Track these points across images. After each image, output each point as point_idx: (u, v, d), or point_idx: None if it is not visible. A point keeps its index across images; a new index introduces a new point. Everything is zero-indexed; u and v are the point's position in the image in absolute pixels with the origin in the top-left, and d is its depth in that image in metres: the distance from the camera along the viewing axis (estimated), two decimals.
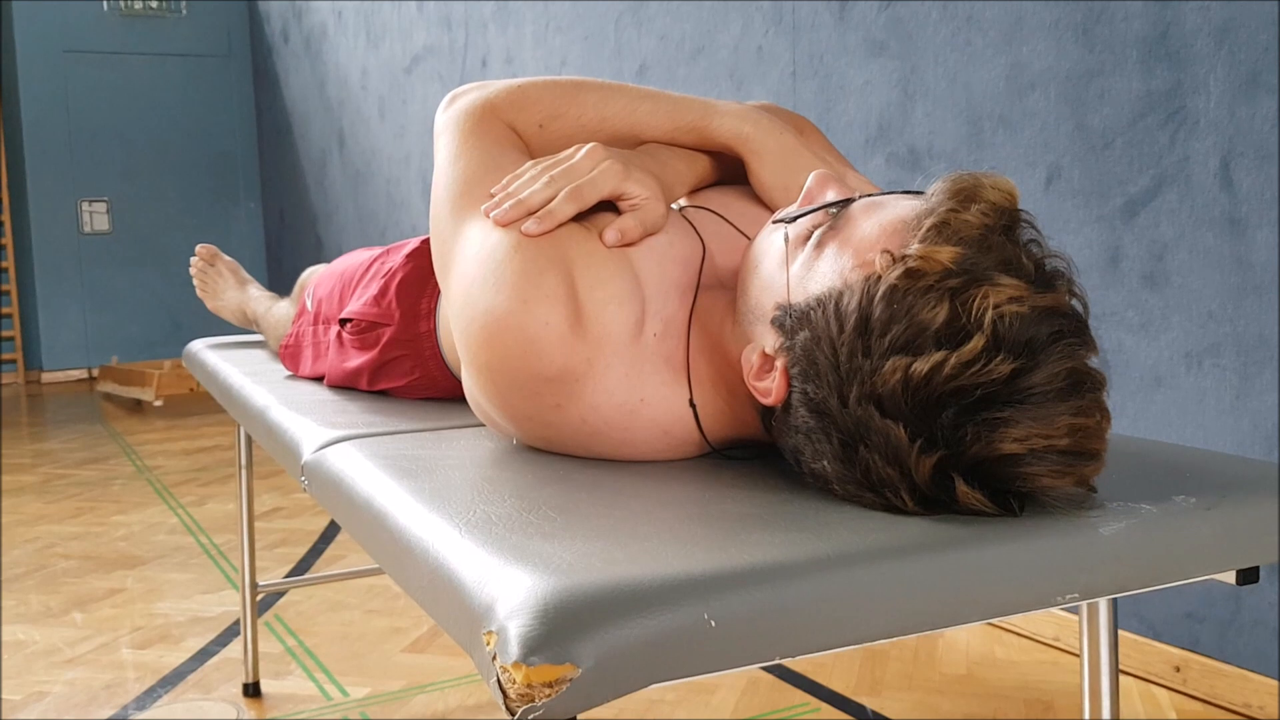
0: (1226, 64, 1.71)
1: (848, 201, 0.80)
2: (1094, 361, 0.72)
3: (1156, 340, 1.86)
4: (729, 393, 0.88)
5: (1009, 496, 0.72)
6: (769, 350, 0.79)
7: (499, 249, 0.88)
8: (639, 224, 0.91)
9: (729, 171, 1.09)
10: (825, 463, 0.76)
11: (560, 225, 0.90)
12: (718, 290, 0.92)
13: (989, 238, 0.72)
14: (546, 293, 0.85)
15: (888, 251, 0.73)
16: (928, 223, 0.73)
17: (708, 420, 0.90)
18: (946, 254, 0.70)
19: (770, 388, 0.79)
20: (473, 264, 0.90)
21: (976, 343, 0.68)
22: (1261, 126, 1.68)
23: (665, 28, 3.05)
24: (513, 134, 1.03)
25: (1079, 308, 0.73)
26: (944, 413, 0.69)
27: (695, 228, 0.97)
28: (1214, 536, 0.75)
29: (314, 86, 6.11)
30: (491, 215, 0.91)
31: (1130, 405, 1.91)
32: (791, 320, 0.78)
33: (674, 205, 1.03)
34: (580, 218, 0.92)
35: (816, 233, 0.80)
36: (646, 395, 0.88)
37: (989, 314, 0.68)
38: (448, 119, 1.03)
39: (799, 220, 0.82)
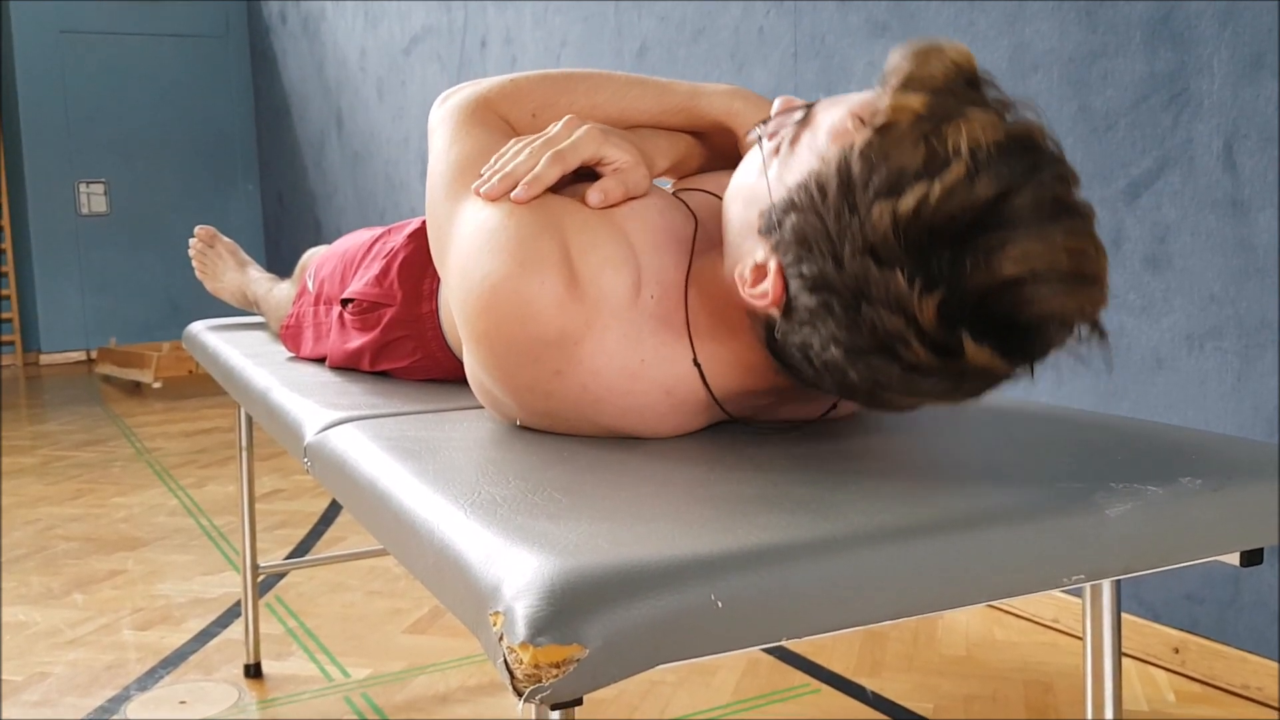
0: (1230, 46, 1.71)
1: (812, 105, 0.83)
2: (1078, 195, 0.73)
3: (1158, 323, 1.85)
4: (732, 337, 0.87)
5: (1020, 352, 0.72)
6: (760, 260, 0.80)
7: (492, 220, 0.90)
8: (620, 184, 0.93)
9: (713, 159, 1.09)
10: (833, 347, 0.76)
11: (546, 190, 0.92)
12: (712, 253, 0.92)
13: (955, 87, 0.73)
14: (542, 256, 0.86)
15: (858, 116, 0.75)
16: (893, 80, 0.74)
17: (713, 378, 0.90)
18: (916, 100, 0.72)
19: (766, 289, 0.79)
20: (468, 240, 0.91)
21: (957, 169, 0.69)
22: (1265, 108, 1.67)
23: (666, 8, 3.04)
24: (506, 125, 1.05)
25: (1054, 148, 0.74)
26: (938, 247, 0.70)
27: (687, 205, 0.98)
28: (1220, 518, 0.75)
29: (312, 67, 6.09)
30: (481, 191, 0.93)
31: (1131, 388, 1.91)
32: (777, 214, 0.79)
33: (665, 187, 1.04)
34: (570, 194, 0.94)
35: (789, 134, 0.82)
36: (646, 356, 0.88)
37: (965, 143, 0.70)
38: (443, 113, 1.06)
39: (773, 135, 0.83)
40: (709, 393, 0.90)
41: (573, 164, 0.93)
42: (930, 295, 0.70)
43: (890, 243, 0.70)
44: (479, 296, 0.88)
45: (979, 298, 0.70)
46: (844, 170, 0.73)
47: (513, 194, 0.91)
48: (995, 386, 0.76)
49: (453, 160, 1.00)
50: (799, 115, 0.82)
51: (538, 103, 1.06)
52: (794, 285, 0.77)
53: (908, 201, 0.70)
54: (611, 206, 0.93)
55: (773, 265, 0.78)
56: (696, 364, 0.89)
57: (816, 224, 0.74)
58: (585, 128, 0.95)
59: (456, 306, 0.92)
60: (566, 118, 0.97)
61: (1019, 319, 0.71)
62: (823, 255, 0.74)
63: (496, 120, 1.05)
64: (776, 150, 0.82)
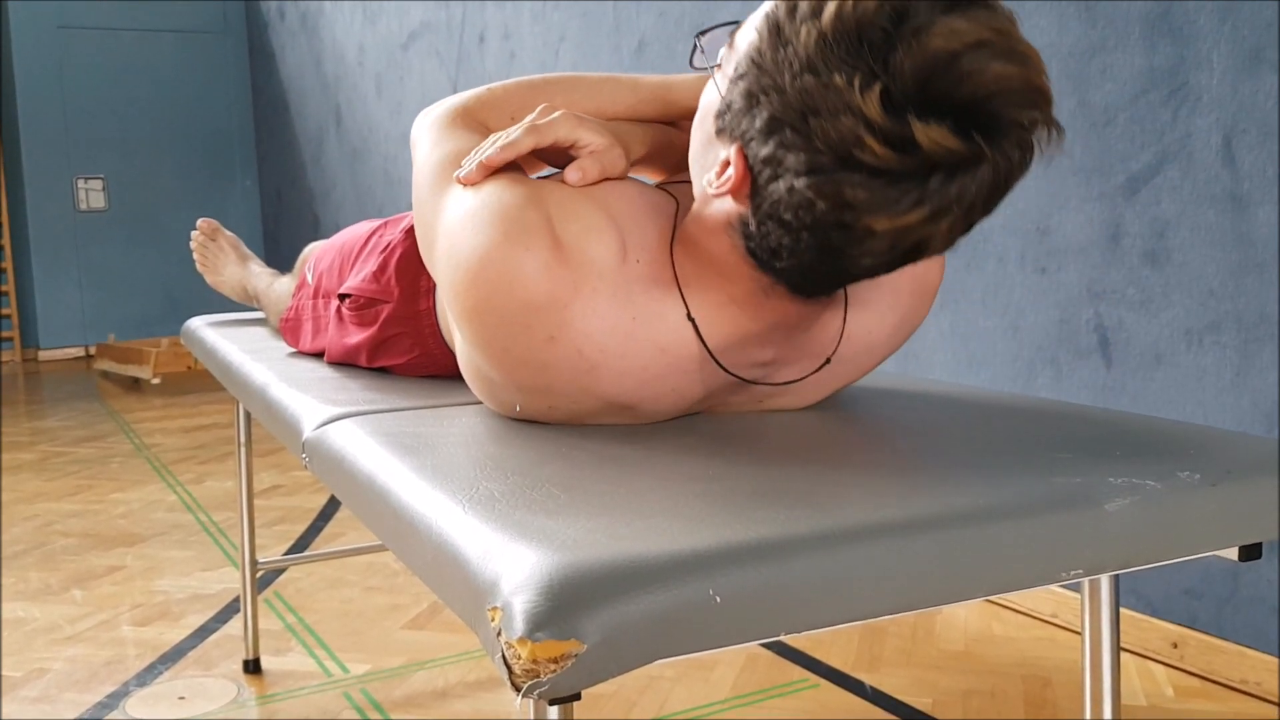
0: (1229, 40, 1.71)
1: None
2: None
3: (1157, 318, 1.85)
4: (719, 279, 0.88)
5: (975, 128, 0.72)
6: (722, 158, 0.83)
7: (474, 201, 0.92)
8: (597, 163, 0.96)
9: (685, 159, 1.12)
10: (796, 182, 0.77)
11: (525, 175, 0.95)
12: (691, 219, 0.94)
13: None
14: (525, 226, 0.87)
15: None
16: None
17: (707, 329, 0.90)
18: None
19: (731, 175, 0.81)
20: (453, 225, 0.93)
21: None
22: (1264, 103, 1.67)
23: (664, 5, 3.03)
24: (486, 128, 1.09)
25: None
26: (868, 45, 0.72)
27: (668, 192, 1.00)
28: (1218, 513, 0.75)
29: (310, 63, 6.08)
30: (461, 178, 0.96)
31: (1130, 383, 1.91)
32: (727, 99, 0.82)
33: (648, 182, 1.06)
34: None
35: (727, 40, 0.86)
36: (638, 314, 0.89)
37: None
38: (424, 124, 1.10)
39: (720, 65, 0.87)
40: (704, 346, 0.91)
41: (547, 138, 0.96)
42: (871, 88, 0.72)
43: (823, 53, 0.74)
44: (466, 271, 0.89)
45: (918, 80, 0.71)
46: (771, 20, 0.78)
47: (485, 156, 0.94)
48: (972, 190, 0.75)
49: (436, 160, 1.03)
50: (733, 24, 0.86)
51: (515, 106, 1.09)
52: (752, 150, 0.79)
53: (829, 11, 0.74)
54: (591, 186, 0.95)
55: (733, 150, 0.81)
56: (690, 319, 0.90)
57: (758, 75, 0.78)
58: (561, 111, 0.98)
59: (445, 288, 0.93)
60: (542, 105, 1.01)
61: (963, 94, 0.72)
62: (768, 96, 0.77)
63: (477, 124, 1.08)
64: (720, 65, 0.86)
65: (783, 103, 0.76)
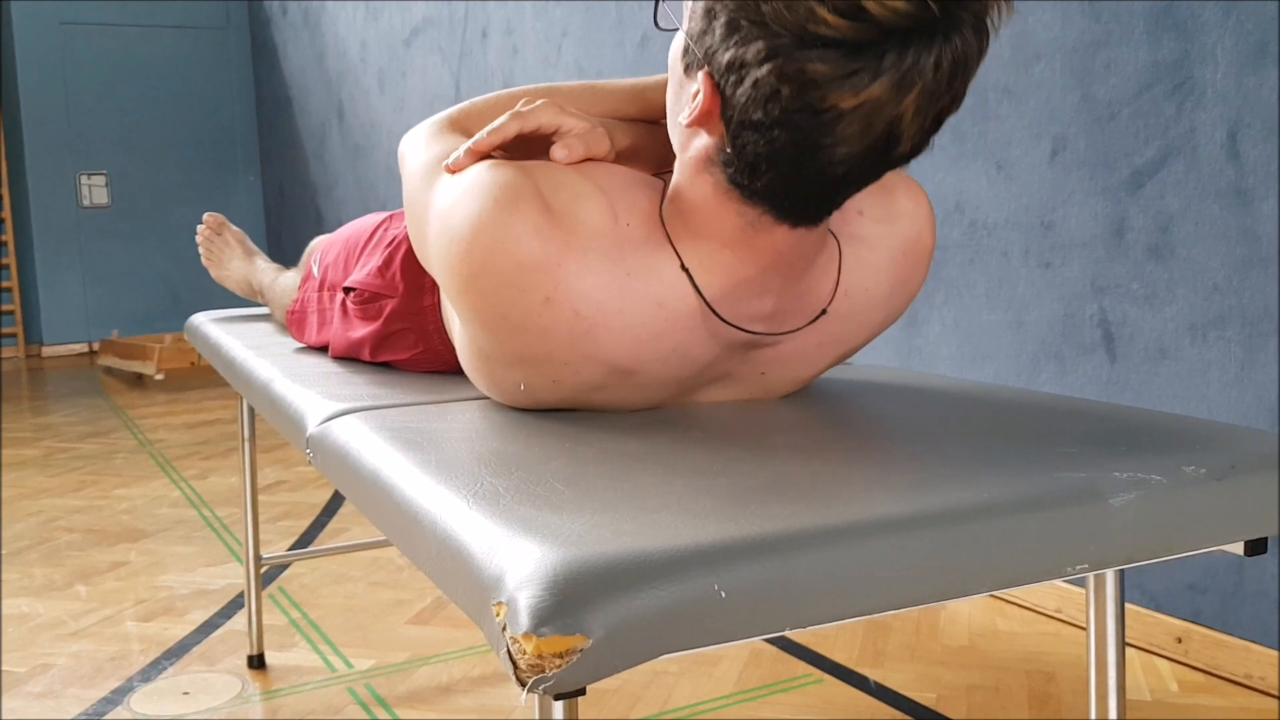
0: (1234, 34, 1.70)
1: None
2: None
3: (1161, 312, 1.85)
4: (709, 224, 0.89)
5: None
6: (693, 90, 0.85)
7: (463, 181, 0.94)
8: (581, 141, 0.98)
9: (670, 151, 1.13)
10: (759, 72, 0.78)
11: (505, 141, 0.98)
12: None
13: None
14: (515, 193, 0.89)
15: None
16: None
17: (702, 278, 0.91)
18: None
19: (701, 99, 0.83)
20: (444, 206, 0.95)
21: None
22: (1269, 97, 1.66)
23: None
24: (470, 135, 1.11)
25: None
26: None
27: (657, 177, 1.02)
28: (1224, 507, 0.75)
29: (313, 59, 6.08)
30: (449, 164, 0.99)
31: (1134, 377, 1.90)
32: (688, 33, 0.84)
33: None
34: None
35: None
36: (632, 269, 0.90)
37: None
38: (410, 136, 1.13)
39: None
40: (700, 297, 0.91)
41: (530, 125, 0.99)
42: None
43: None
44: (460, 240, 0.90)
45: None
46: None
47: (473, 142, 0.97)
48: (930, 63, 0.75)
49: (424, 161, 1.05)
50: None
51: (498, 114, 1.11)
52: (716, 64, 0.81)
53: None
54: (578, 164, 0.97)
55: (700, 77, 0.83)
56: (684, 269, 0.91)
57: None
58: (543, 100, 1.01)
59: (441, 266, 0.94)
60: (524, 98, 1.04)
61: None
62: (722, 1, 0.80)
63: (461, 131, 1.11)
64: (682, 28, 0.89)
65: (737, 1, 0.78)
